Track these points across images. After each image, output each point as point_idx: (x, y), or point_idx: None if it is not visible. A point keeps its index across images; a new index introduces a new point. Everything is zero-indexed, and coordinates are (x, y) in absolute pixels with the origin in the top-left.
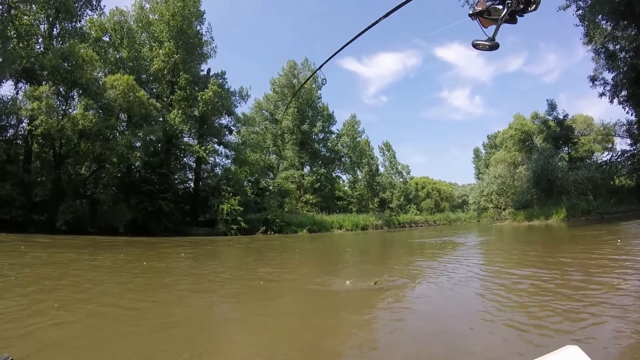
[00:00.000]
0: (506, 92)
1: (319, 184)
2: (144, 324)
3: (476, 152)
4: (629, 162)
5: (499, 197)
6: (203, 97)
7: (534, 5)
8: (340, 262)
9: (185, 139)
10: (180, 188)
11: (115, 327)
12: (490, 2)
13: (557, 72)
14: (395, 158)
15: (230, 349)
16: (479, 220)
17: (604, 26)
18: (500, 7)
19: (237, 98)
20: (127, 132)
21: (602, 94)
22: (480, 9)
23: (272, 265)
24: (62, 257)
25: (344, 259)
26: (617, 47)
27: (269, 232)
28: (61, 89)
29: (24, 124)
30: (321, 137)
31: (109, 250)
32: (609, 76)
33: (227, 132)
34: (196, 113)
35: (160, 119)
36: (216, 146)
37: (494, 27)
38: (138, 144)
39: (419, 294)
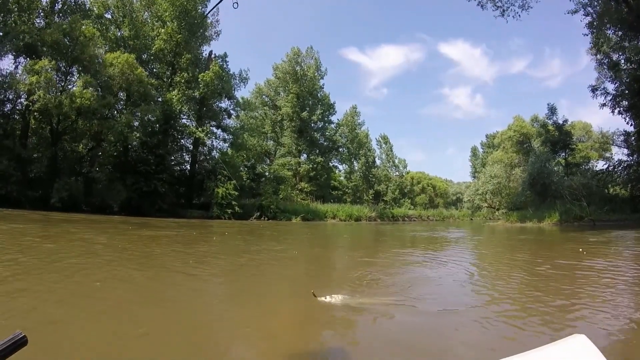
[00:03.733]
0: (508, 93)
1: (315, 172)
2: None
3: (474, 150)
4: (625, 173)
5: (494, 197)
6: (204, 78)
7: None
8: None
9: (184, 121)
10: (176, 170)
11: None
12: None
13: (560, 78)
14: (392, 151)
15: None
16: (471, 219)
17: (610, 36)
18: None
19: (237, 81)
20: (125, 111)
21: (603, 105)
22: None
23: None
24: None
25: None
26: (622, 57)
27: (262, 218)
28: (61, 65)
29: (22, 99)
30: (320, 126)
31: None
32: (610, 86)
33: (226, 116)
34: (196, 95)
35: (159, 99)
36: (214, 129)
37: None
38: (136, 124)
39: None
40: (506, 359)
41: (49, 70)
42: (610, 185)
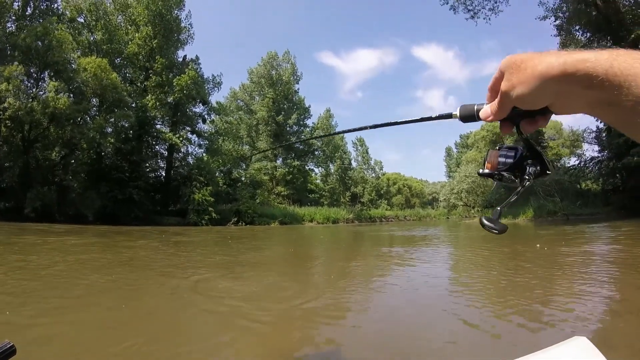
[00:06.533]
0: (481, 94)
1: (291, 176)
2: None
3: (448, 150)
4: (597, 168)
5: (469, 196)
6: (179, 82)
7: (550, 173)
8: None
9: (158, 126)
10: (152, 176)
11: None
12: (502, 162)
13: None
14: (368, 153)
15: None
16: (448, 217)
17: (579, 37)
18: (510, 176)
19: (211, 86)
20: (98, 117)
21: None
22: (489, 171)
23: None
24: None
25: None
26: None
27: (240, 224)
28: (32, 70)
29: None
30: (296, 129)
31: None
32: None
33: (200, 121)
34: (170, 100)
35: (133, 104)
36: (189, 134)
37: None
38: (109, 130)
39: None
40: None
41: (19, 76)
42: (581, 181)
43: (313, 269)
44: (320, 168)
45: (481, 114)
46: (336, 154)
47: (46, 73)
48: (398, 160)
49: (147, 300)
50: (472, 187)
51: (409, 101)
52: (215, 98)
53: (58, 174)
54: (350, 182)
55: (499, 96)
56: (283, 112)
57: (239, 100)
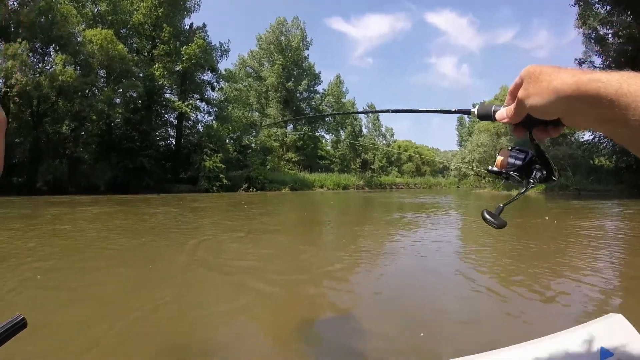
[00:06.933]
0: (494, 63)
1: (301, 142)
2: None
3: (460, 119)
4: (611, 144)
5: (480, 165)
6: (187, 51)
7: (555, 180)
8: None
9: (167, 95)
10: (162, 145)
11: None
12: (511, 163)
13: (546, 50)
14: (379, 120)
15: None
16: (458, 187)
17: (598, 10)
18: (516, 177)
19: (219, 53)
20: (106, 89)
21: None
22: (497, 169)
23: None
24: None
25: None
26: (610, 32)
27: (251, 190)
28: (37, 46)
29: None
30: (306, 96)
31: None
32: (597, 60)
33: (209, 88)
34: (178, 68)
35: (141, 74)
36: (198, 102)
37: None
38: (118, 100)
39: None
40: (539, 339)
41: (25, 52)
42: (595, 156)
43: (326, 233)
44: (330, 134)
45: (497, 115)
46: (347, 121)
47: (51, 48)
48: (409, 128)
49: (171, 262)
50: (483, 156)
51: (421, 68)
52: (223, 65)
53: (69, 146)
54: (360, 148)
55: (515, 102)
56: (293, 79)
57: (247, 67)
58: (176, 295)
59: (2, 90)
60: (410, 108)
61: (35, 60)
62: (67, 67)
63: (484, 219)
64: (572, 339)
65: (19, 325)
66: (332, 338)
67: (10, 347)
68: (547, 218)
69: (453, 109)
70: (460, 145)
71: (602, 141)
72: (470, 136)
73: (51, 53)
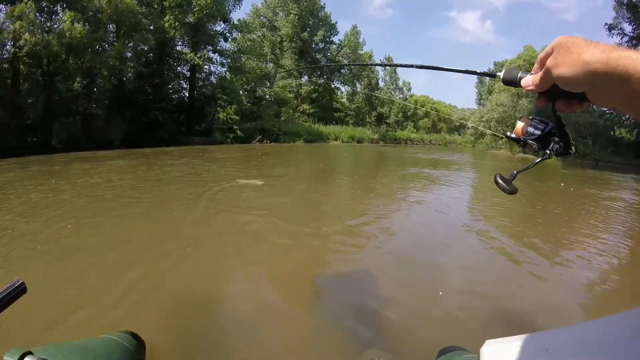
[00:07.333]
0: (519, 21)
1: (316, 94)
2: None
3: (480, 77)
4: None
5: (498, 125)
6: (198, 1)
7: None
8: None
9: (179, 47)
10: (175, 98)
11: None
12: (530, 132)
13: (575, 12)
14: (396, 73)
15: None
16: (474, 146)
17: None
18: (534, 146)
19: (231, 3)
20: (117, 43)
21: (619, 45)
22: (515, 135)
23: None
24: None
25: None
26: None
27: (265, 141)
28: (43, 5)
29: (7, 46)
30: (321, 46)
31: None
32: (627, 27)
33: (222, 39)
34: (190, 20)
35: (151, 27)
36: (211, 54)
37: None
38: (129, 55)
39: None
40: (568, 326)
41: (32, 12)
42: (616, 127)
43: (341, 186)
44: (346, 87)
45: (522, 82)
46: (363, 73)
47: (58, 6)
48: (427, 82)
49: (195, 209)
50: (502, 117)
51: (442, 22)
52: (236, 16)
53: (81, 103)
54: (376, 102)
55: (542, 70)
56: (308, 29)
57: (261, 17)
58: (196, 245)
59: (12, 52)
60: (434, 65)
61: (42, 19)
62: (75, 24)
63: (497, 183)
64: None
65: (18, 291)
66: (349, 296)
67: (49, 290)
68: (562, 185)
69: (478, 71)
70: (479, 104)
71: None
72: (489, 94)
73: (59, 11)
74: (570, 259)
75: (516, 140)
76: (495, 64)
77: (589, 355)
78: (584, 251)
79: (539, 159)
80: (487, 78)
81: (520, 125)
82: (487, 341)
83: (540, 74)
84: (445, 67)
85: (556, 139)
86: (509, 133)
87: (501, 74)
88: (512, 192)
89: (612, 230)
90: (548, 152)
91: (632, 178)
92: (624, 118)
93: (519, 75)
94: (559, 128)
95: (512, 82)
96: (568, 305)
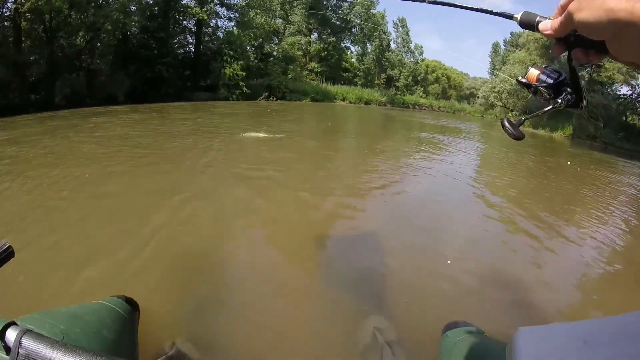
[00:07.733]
0: None
1: (326, 52)
2: None
3: (495, 47)
4: None
5: (509, 97)
6: None
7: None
8: None
9: (184, 1)
10: (180, 53)
11: None
12: (543, 80)
13: None
14: (408, 36)
15: None
16: (483, 116)
17: None
18: (545, 94)
19: None
20: None
21: None
22: (527, 81)
23: None
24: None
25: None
26: None
27: (271, 99)
28: None
29: (9, 3)
30: (333, 3)
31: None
32: None
33: None
34: None
35: None
36: (218, 8)
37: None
38: (134, 8)
39: None
40: (609, 317)
41: None
42: (629, 113)
43: (348, 145)
44: (356, 47)
45: (540, 26)
46: (375, 33)
47: None
48: (440, 48)
49: (204, 159)
50: (514, 89)
51: None
52: None
53: (85, 59)
54: (387, 64)
55: (563, 15)
56: None
57: None
58: (202, 193)
59: (13, 8)
60: (447, 1)
61: None
62: None
63: (504, 126)
64: None
65: (6, 255)
66: (354, 259)
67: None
68: (569, 163)
69: (495, 11)
70: (492, 74)
71: (639, 98)
72: (503, 65)
73: None
74: (586, 235)
75: (527, 86)
76: (512, 34)
77: (632, 351)
78: (597, 230)
79: (550, 107)
80: (503, 47)
81: (533, 71)
82: (520, 328)
83: (560, 18)
84: (459, 4)
85: (569, 89)
86: (520, 77)
87: (518, 16)
88: (518, 137)
89: (621, 211)
90: (559, 101)
91: (638, 165)
92: (637, 105)
93: (537, 19)
94: (572, 79)
95: (529, 25)
96: (584, 281)
